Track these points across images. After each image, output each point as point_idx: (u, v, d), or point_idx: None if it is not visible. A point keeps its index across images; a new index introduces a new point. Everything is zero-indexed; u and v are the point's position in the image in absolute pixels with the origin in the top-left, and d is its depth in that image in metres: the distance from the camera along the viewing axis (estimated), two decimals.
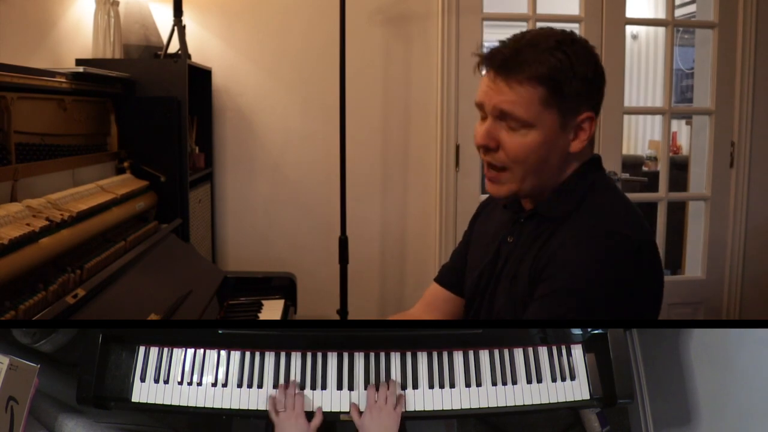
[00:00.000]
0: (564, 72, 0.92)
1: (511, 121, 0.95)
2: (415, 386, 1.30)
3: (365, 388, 1.29)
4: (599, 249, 0.91)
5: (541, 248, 0.98)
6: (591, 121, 0.97)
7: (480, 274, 1.12)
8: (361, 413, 1.25)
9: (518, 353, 1.34)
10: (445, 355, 1.34)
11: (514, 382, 1.31)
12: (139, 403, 1.28)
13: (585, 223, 0.95)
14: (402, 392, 1.29)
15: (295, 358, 1.33)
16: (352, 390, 1.30)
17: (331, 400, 1.29)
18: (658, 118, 4.16)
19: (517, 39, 0.96)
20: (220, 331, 1.34)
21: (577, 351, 1.34)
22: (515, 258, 1.04)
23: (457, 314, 1.25)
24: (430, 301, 1.27)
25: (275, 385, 1.29)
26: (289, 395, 1.26)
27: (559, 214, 0.99)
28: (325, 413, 1.28)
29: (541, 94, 0.93)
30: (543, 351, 1.34)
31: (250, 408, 1.29)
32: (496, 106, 0.95)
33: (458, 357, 1.33)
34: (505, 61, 0.94)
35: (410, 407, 1.29)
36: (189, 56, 2.18)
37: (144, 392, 1.28)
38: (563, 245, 0.94)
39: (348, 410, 1.27)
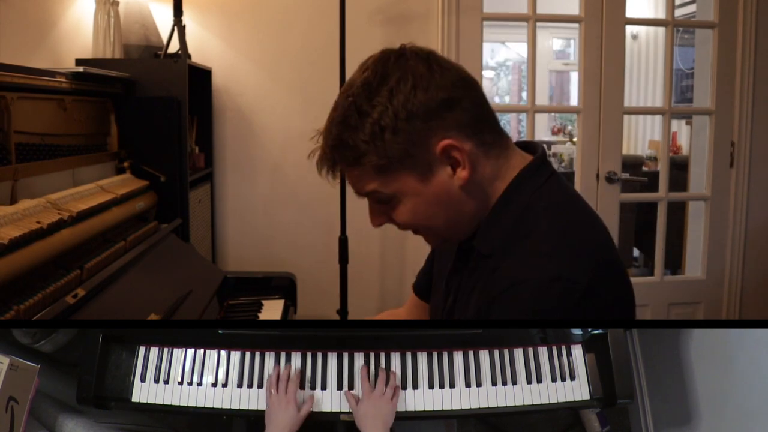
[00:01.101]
0: (369, 141, 0.81)
1: (380, 199, 0.87)
2: (415, 386, 1.30)
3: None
4: (540, 299, 0.79)
5: (482, 290, 0.87)
6: (453, 147, 0.82)
7: (434, 306, 1.08)
8: (357, 402, 1.25)
9: (518, 353, 1.34)
10: (445, 355, 1.34)
11: (514, 382, 1.31)
12: (139, 403, 1.28)
13: (523, 265, 0.82)
14: (397, 386, 1.29)
15: (295, 358, 1.33)
16: (352, 390, 1.30)
17: (331, 400, 1.29)
18: (658, 118, 4.16)
19: (325, 127, 0.90)
20: (220, 331, 1.34)
21: (577, 351, 1.34)
22: (463, 294, 0.94)
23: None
24: (411, 306, 1.25)
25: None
26: (283, 379, 1.27)
27: (490, 249, 0.87)
28: (325, 413, 1.28)
29: (371, 170, 0.84)
30: (543, 351, 1.34)
31: (250, 408, 1.29)
32: (358, 195, 0.90)
33: (458, 357, 1.33)
34: (326, 157, 0.89)
35: (410, 407, 1.29)
36: (189, 56, 2.19)
37: (144, 392, 1.29)
38: (499, 294, 0.82)
39: (348, 410, 1.27)
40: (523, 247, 0.83)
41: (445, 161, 0.83)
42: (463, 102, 0.83)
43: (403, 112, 0.80)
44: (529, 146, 0.94)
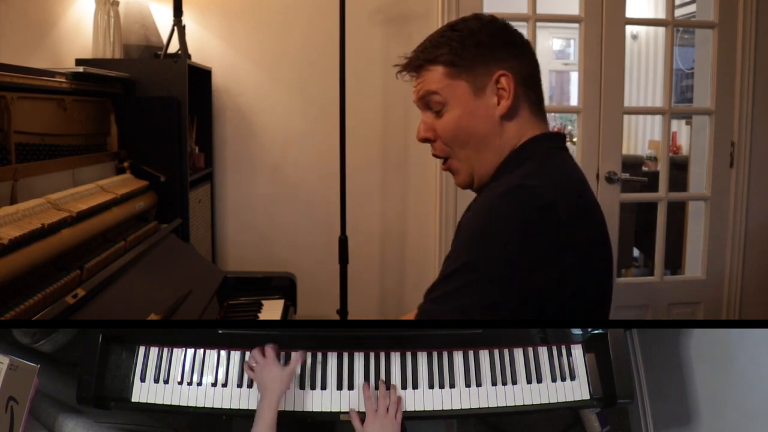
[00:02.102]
0: (454, 43, 0.99)
1: (434, 104, 1.01)
2: (415, 386, 1.30)
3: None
4: (494, 201, 0.89)
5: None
6: (507, 78, 0.98)
7: None
8: (362, 419, 1.25)
9: (518, 353, 1.34)
10: (445, 355, 1.34)
11: (514, 382, 1.31)
12: (139, 403, 1.28)
13: (500, 183, 0.94)
14: (401, 395, 1.29)
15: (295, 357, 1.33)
16: (352, 390, 1.30)
17: (331, 400, 1.29)
18: (658, 118, 4.16)
19: (424, 40, 1.05)
20: (220, 331, 1.34)
21: (577, 351, 1.34)
22: None
23: None
24: None
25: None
26: (258, 350, 1.29)
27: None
28: (324, 413, 1.28)
29: (443, 70, 1.00)
30: (543, 351, 1.35)
31: (250, 408, 1.29)
32: (416, 96, 1.04)
33: (458, 357, 1.33)
34: (412, 60, 1.04)
35: (410, 407, 1.29)
36: (189, 56, 2.19)
37: (144, 392, 1.29)
38: (469, 209, 0.97)
39: (347, 410, 1.27)
40: (508, 175, 0.95)
41: (495, 90, 0.98)
42: (527, 60, 1.01)
43: (484, 38, 0.99)
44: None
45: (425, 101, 1.03)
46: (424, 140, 1.05)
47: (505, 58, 0.99)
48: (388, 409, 1.25)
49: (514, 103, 0.98)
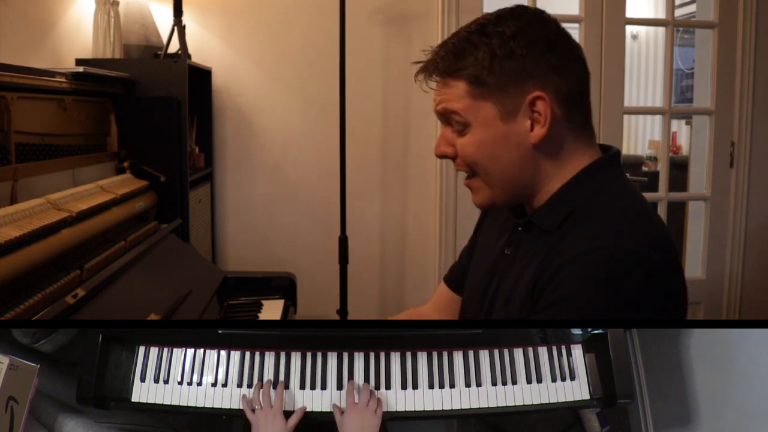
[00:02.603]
0: (481, 55, 0.84)
1: (455, 123, 0.89)
2: (415, 386, 1.30)
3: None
4: (600, 267, 0.79)
5: (539, 264, 0.87)
6: (544, 102, 0.84)
7: (474, 288, 1.07)
8: (342, 413, 1.25)
9: (518, 353, 1.34)
10: (445, 355, 1.34)
11: (514, 382, 1.31)
12: (139, 403, 1.28)
13: (586, 237, 0.82)
14: (381, 396, 1.28)
15: (295, 358, 1.33)
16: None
17: (331, 400, 1.29)
18: (658, 118, 4.16)
19: (447, 37, 0.90)
20: (220, 331, 1.34)
21: (577, 351, 1.34)
22: (512, 274, 0.94)
23: None
24: (440, 301, 1.24)
25: (275, 386, 1.29)
26: (265, 393, 1.26)
27: (554, 225, 0.88)
28: (324, 413, 1.28)
29: (465, 87, 0.86)
30: (543, 351, 1.34)
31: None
32: (437, 110, 0.91)
33: (458, 357, 1.33)
34: (433, 62, 0.89)
35: (410, 407, 1.29)
36: (189, 56, 2.18)
37: (144, 392, 1.29)
38: (562, 264, 0.82)
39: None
40: (587, 224, 0.84)
41: (529, 114, 0.85)
42: (571, 75, 0.86)
43: (518, 50, 0.83)
44: (605, 147, 0.96)
45: (445, 117, 0.91)
46: (443, 156, 0.93)
47: (544, 75, 0.84)
48: (369, 403, 1.24)
49: (552, 130, 0.85)
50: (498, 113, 0.86)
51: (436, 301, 1.26)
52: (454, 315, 1.20)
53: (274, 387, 1.28)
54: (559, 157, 0.88)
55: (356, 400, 1.25)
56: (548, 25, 0.86)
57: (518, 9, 0.87)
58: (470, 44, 0.85)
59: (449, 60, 0.87)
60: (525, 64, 0.84)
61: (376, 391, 1.29)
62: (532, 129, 0.85)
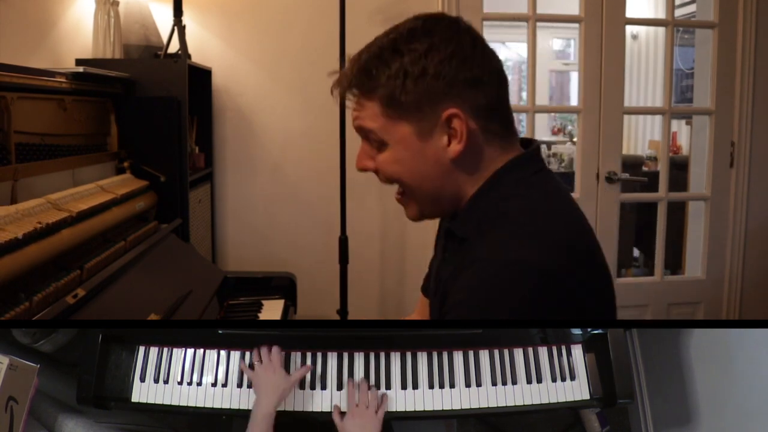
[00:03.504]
0: (393, 76, 0.82)
1: (372, 140, 0.88)
2: (415, 386, 1.30)
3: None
4: (496, 279, 0.78)
5: (453, 270, 0.86)
6: (458, 119, 0.82)
7: (425, 288, 1.08)
8: (343, 415, 1.25)
9: (518, 353, 1.34)
10: (445, 355, 1.34)
11: (514, 382, 1.31)
12: (139, 403, 1.28)
13: (489, 246, 0.81)
14: (385, 393, 1.28)
15: (295, 358, 1.33)
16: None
17: (331, 400, 1.29)
18: (658, 118, 4.16)
19: (360, 50, 0.88)
20: (220, 331, 1.34)
21: (577, 351, 1.34)
22: (440, 277, 0.94)
23: None
24: (422, 310, 1.25)
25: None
26: (264, 351, 1.26)
27: (466, 233, 0.87)
28: (324, 413, 1.28)
29: (379, 108, 0.84)
30: (543, 351, 1.34)
31: (250, 408, 1.29)
32: (354, 125, 0.90)
33: (458, 357, 1.33)
34: (345, 78, 0.88)
35: (410, 407, 1.29)
36: (189, 56, 2.18)
37: (144, 392, 1.29)
38: (464, 269, 0.82)
39: (347, 410, 1.27)
40: (493, 231, 0.83)
41: (446, 130, 0.84)
42: (487, 87, 0.84)
43: (432, 68, 0.82)
44: (526, 142, 0.94)
45: (363, 133, 0.89)
46: (363, 170, 0.92)
47: (459, 91, 0.83)
48: (369, 406, 1.24)
49: (469, 144, 0.84)
50: (414, 131, 0.85)
51: (418, 310, 1.27)
52: None
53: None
54: (478, 168, 0.87)
55: (357, 401, 1.25)
56: (462, 37, 0.84)
57: (431, 21, 0.85)
58: (382, 62, 0.84)
59: (361, 78, 0.86)
60: (439, 81, 0.82)
61: (377, 390, 1.29)
62: (449, 144, 0.84)
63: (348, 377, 1.31)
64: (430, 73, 0.82)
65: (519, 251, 0.78)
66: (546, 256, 0.78)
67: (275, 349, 1.27)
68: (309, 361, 1.33)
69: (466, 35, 0.84)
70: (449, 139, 0.84)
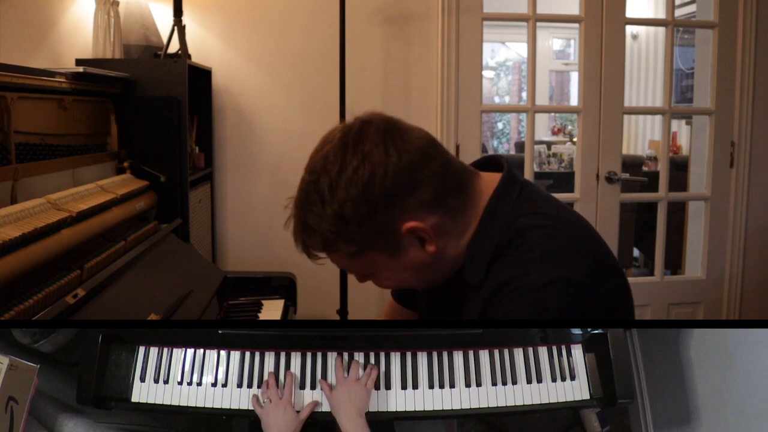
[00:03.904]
0: (333, 230, 0.83)
1: (359, 275, 0.92)
2: (415, 386, 1.30)
3: None
4: (539, 301, 0.79)
5: (478, 304, 0.87)
6: (419, 228, 0.83)
7: (399, 295, 1.12)
8: (332, 390, 1.25)
9: (518, 353, 1.34)
10: (445, 355, 1.33)
11: (514, 382, 1.31)
12: (139, 403, 1.28)
13: (518, 274, 0.81)
14: (374, 366, 1.28)
15: (295, 358, 1.33)
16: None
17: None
18: (658, 118, 4.16)
19: (294, 204, 0.87)
20: (220, 331, 1.34)
21: (577, 351, 1.34)
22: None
23: None
24: (389, 317, 1.26)
25: (277, 382, 1.29)
26: (272, 386, 1.25)
27: (480, 276, 0.87)
28: (325, 413, 1.27)
29: (344, 252, 0.86)
30: (543, 351, 1.34)
31: (250, 408, 1.29)
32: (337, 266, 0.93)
33: (458, 357, 1.33)
34: (304, 246, 0.88)
35: (410, 407, 1.29)
36: (189, 56, 2.19)
37: (144, 392, 1.28)
38: (496, 292, 0.83)
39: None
40: (511, 260, 0.83)
41: (413, 239, 0.85)
42: (423, 181, 0.82)
43: (363, 205, 0.81)
44: (493, 162, 0.94)
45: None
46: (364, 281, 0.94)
47: (403, 205, 0.82)
48: (359, 377, 1.24)
49: (441, 234, 0.85)
50: (385, 255, 0.86)
51: (386, 316, 1.28)
52: None
53: (277, 383, 1.28)
54: (458, 234, 0.87)
55: (345, 374, 1.25)
56: (374, 150, 0.81)
57: (337, 149, 0.82)
58: (317, 218, 0.83)
59: (315, 241, 0.85)
60: (377, 213, 0.81)
61: (370, 363, 1.29)
62: (423, 245, 0.85)
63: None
64: (365, 211, 0.81)
65: (552, 270, 0.79)
66: (575, 271, 0.80)
67: (287, 384, 1.26)
68: (309, 361, 1.33)
69: (373, 145, 0.81)
70: (421, 242, 0.85)
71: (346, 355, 1.31)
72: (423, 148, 0.84)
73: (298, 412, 1.23)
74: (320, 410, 1.28)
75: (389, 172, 0.80)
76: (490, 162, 0.96)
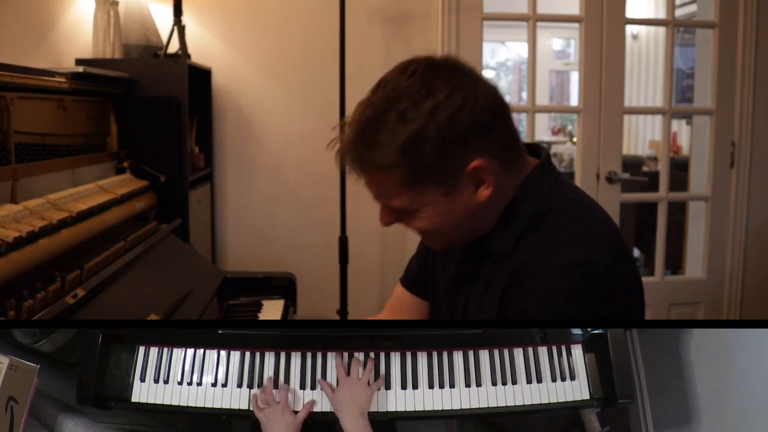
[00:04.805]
0: (404, 148, 0.80)
1: (399, 212, 0.88)
2: (415, 386, 1.30)
3: None
4: (565, 282, 0.81)
5: (503, 281, 0.88)
6: (484, 170, 0.83)
7: (444, 309, 1.07)
8: (333, 391, 1.24)
9: (518, 353, 1.34)
10: (445, 355, 1.33)
11: (514, 382, 1.31)
12: (139, 403, 1.28)
13: (543, 250, 0.84)
14: (371, 358, 1.27)
15: (295, 358, 1.33)
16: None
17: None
18: (658, 118, 4.16)
19: (355, 120, 0.84)
20: (220, 331, 1.34)
21: (577, 351, 1.34)
22: (476, 296, 0.95)
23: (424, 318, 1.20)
24: (398, 307, 1.24)
25: (275, 385, 1.29)
26: (268, 391, 1.26)
27: (507, 248, 0.88)
28: (325, 413, 1.27)
29: (397, 181, 0.83)
30: (543, 351, 1.34)
31: (250, 408, 1.29)
32: (379, 200, 0.88)
33: (458, 357, 1.33)
34: (354, 154, 0.84)
35: (410, 407, 1.29)
36: (189, 56, 2.19)
37: (144, 392, 1.28)
38: (524, 272, 0.84)
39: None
40: (540, 237, 0.86)
41: (472, 180, 0.85)
42: (498, 127, 0.85)
43: (446, 129, 0.80)
44: (532, 148, 0.96)
45: (382, 203, 0.88)
46: (390, 224, 0.90)
47: (475, 141, 0.82)
48: (360, 376, 1.23)
49: (497, 184, 0.86)
50: (440, 192, 0.84)
51: (393, 307, 1.25)
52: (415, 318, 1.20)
53: (276, 386, 1.28)
54: (502, 193, 0.89)
55: (347, 373, 1.25)
56: (464, 85, 0.82)
57: (429, 75, 0.82)
58: (390, 133, 0.80)
59: (371, 153, 0.82)
60: (455, 140, 0.81)
61: (370, 363, 1.27)
62: (476, 190, 0.85)
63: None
64: (445, 135, 0.80)
65: (579, 252, 0.82)
66: (599, 255, 0.82)
67: (282, 388, 1.27)
68: (309, 361, 1.33)
69: (466, 80, 0.83)
70: (476, 186, 0.85)
71: (346, 354, 1.31)
72: (500, 97, 0.87)
73: (296, 413, 1.23)
74: (319, 410, 1.28)
75: (478, 106, 0.81)
76: (528, 148, 0.97)
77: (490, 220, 0.90)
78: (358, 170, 0.85)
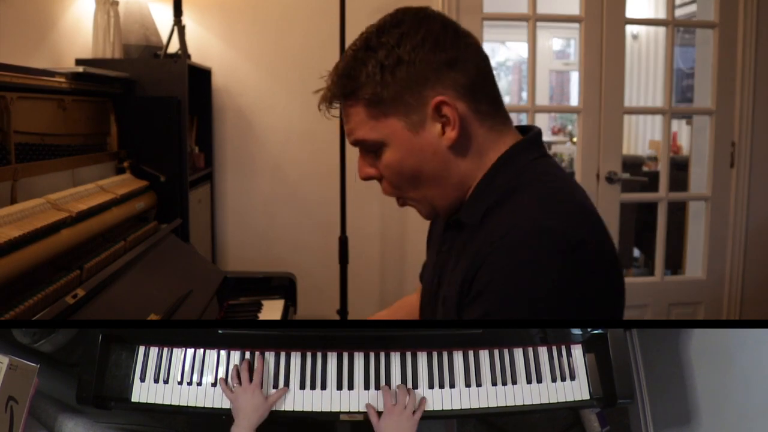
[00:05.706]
0: (371, 73, 0.83)
1: (369, 149, 0.89)
2: (415, 386, 1.30)
3: (365, 388, 1.29)
4: (523, 248, 0.77)
5: (467, 260, 0.85)
6: (446, 105, 0.82)
7: (425, 289, 1.07)
8: (379, 415, 1.24)
9: (518, 353, 1.34)
10: (445, 355, 1.33)
11: (514, 382, 1.31)
12: (139, 403, 1.28)
13: (505, 223, 0.81)
14: (423, 396, 1.27)
15: (295, 358, 1.33)
16: (352, 390, 1.30)
17: (330, 400, 1.29)
18: (658, 118, 4.16)
19: (336, 65, 0.89)
20: (220, 331, 1.34)
21: (577, 351, 1.34)
22: (447, 273, 0.93)
23: None
24: (404, 310, 1.26)
25: (275, 385, 1.29)
26: (243, 370, 1.26)
27: (477, 218, 0.86)
28: (325, 413, 1.27)
29: (364, 110, 0.85)
30: (543, 351, 1.34)
31: None
32: (350, 141, 0.90)
33: (458, 357, 1.33)
34: (328, 89, 0.88)
35: None
36: (189, 56, 2.19)
37: (144, 392, 1.28)
38: (487, 246, 0.80)
39: (347, 410, 1.27)
40: (508, 207, 0.83)
41: (437, 118, 0.84)
42: (466, 64, 0.84)
43: (406, 57, 0.82)
44: (526, 128, 0.94)
45: (355, 142, 0.90)
46: (367, 178, 0.92)
47: (439, 75, 0.82)
48: (406, 405, 1.23)
49: (463, 127, 0.84)
50: (405, 126, 0.85)
51: (397, 309, 1.29)
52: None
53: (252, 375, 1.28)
54: (476, 152, 0.87)
55: (393, 402, 1.25)
56: (432, 22, 0.84)
57: (399, 13, 0.86)
58: (357, 62, 0.84)
59: (341, 83, 0.86)
60: (416, 68, 0.82)
61: (415, 392, 1.28)
62: (443, 132, 0.84)
63: (348, 378, 1.31)
64: (406, 61, 0.82)
65: (544, 220, 0.78)
66: (570, 225, 0.78)
67: (256, 368, 1.27)
68: (309, 361, 1.33)
69: (434, 20, 0.85)
70: (443, 127, 0.84)
71: (393, 384, 1.29)
72: (477, 45, 0.87)
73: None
74: (320, 410, 1.28)
75: (440, 42, 0.83)
76: (522, 129, 0.94)
77: (465, 178, 0.88)
78: (330, 104, 0.88)
